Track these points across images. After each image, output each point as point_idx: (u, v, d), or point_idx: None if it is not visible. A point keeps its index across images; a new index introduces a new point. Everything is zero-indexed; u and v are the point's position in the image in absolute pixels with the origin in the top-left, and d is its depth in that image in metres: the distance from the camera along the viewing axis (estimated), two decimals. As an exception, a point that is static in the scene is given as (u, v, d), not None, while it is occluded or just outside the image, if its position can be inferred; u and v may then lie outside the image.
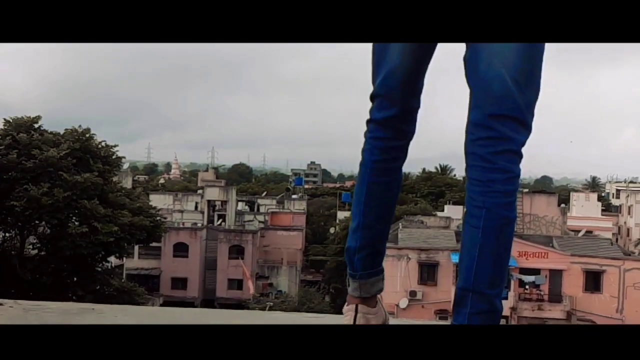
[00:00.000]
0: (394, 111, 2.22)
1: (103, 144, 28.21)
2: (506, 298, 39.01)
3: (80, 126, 27.64)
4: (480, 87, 2.01)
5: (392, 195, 2.33)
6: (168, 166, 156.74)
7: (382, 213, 2.31)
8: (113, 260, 33.41)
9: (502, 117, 1.98)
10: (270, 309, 41.00)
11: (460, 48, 2.11)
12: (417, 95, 2.25)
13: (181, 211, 65.06)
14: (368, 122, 2.27)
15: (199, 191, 70.08)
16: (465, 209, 2.07)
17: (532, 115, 2.04)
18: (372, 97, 2.26)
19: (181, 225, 60.27)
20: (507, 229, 2.00)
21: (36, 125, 27.32)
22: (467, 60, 2.06)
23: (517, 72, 1.98)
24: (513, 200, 2.01)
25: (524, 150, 2.06)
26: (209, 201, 65.05)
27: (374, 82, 2.25)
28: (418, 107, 2.26)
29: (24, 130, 26.46)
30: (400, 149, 2.28)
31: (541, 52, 2.05)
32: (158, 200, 62.95)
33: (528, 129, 2.03)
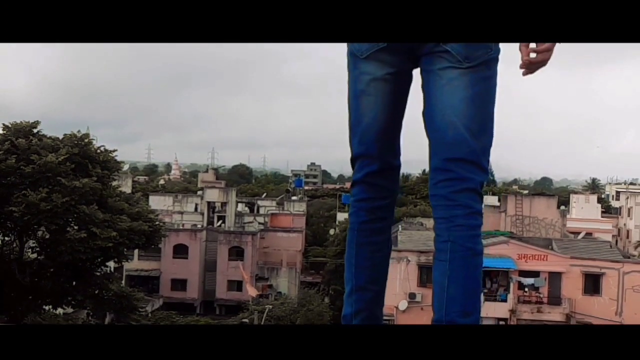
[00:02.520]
0: (374, 167, 2.28)
1: (102, 148, 28.17)
2: (505, 300, 38.98)
3: (79, 131, 27.62)
4: (436, 136, 2.16)
5: (382, 255, 2.36)
6: (168, 167, 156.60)
7: (375, 275, 2.35)
8: (113, 261, 33.39)
9: (458, 160, 2.12)
10: (270, 310, 40.95)
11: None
12: (395, 153, 2.33)
13: (181, 212, 65.01)
14: (351, 186, 2.34)
15: (199, 192, 70.00)
16: (434, 248, 2.19)
17: (488, 159, 2.17)
18: (352, 161, 2.33)
19: (181, 227, 60.20)
20: (473, 260, 2.11)
21: (35, 130, 27.26)
22: (424, 114, 2.19)
23: (469, 121, 2.12)
24: (477, 234, 2.13)
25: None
26: (208, 203, 64.97)
27: (351, 147, 2.32)
28: (398, 165, 2.35)
29: (23, 135, 26.41)
30: (385, 208, 2.34)
31: (492, 99, 2.19)
32: (158, 202, 62.98)
33: (484, 171, 2.16)
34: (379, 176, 2.29)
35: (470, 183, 2.13)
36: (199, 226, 60.89)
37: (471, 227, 2.12)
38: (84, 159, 26.36)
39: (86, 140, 27.13)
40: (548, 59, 2.18)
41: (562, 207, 52.99)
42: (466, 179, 2.12)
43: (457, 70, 2.14)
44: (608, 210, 76.70)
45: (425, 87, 2.22)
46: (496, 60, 2.20)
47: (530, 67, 2.19)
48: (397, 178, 2.35)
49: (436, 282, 2.14)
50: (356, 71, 2.27)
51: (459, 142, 2.12)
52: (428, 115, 2.18)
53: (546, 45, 2.15)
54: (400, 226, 47.67)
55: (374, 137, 2.25)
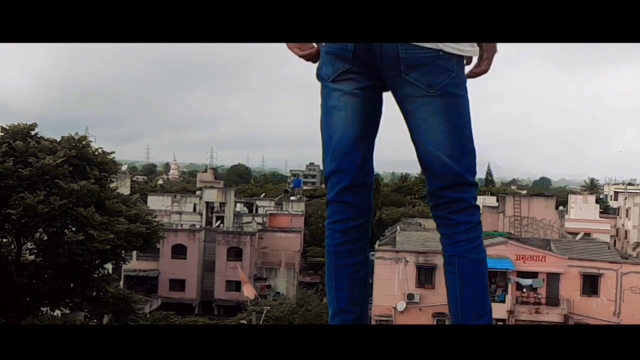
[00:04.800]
0: (346, 182, 2.33)
1: (100, 150, 28.13)
2: (503, 301, 38.98)
3: (76, 133, 27.62)
4: (425, 168, 2.34)
5: (361, 276, 2.39)
6: (167, 167, 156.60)
7: (355, 296, 2.37)
8: (110, 263, 33.37)
9: (448, 188, 2.31)
10: (268, 311, 40.93)
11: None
12: (368, 170, 2.38)
13: (179, 213, 64.97)
14: (326, 206, 2.39)
15: (198, 193, 69.98)
16: (443, 261, 2.39)
17: (474, 172, 2.36)
18: (326, 180, 2.39)
19: (179, 227, 60.18)
20: (479, 268, 2.33)
21: (33, 133, 27.22)
22: (412, 142, 2.35)
23: (450, 150, 2.28)
24: (479, 244, 2.34)
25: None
26: (207, 203, 64.93)
27: (324, 166, 2.38)
28: (371, 183, 2.40)
29: (21, 137, 26.36)
30: (359, 228, 2.37)
31: (468, 118, 2.32)
32: (156, 202, 62.97)
33: (473, 185, 2.36)
34: (351, 193, 2.34)
35: (464, 202, 2.33)
36: (198, 226, 60.86)
37: (472, 239, 2.33)
38: (81, 161, 26.32)
39: (84, 143, 27.09)
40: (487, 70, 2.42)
41: (561, 208, 53.07)
42: (460, 200, 2.32)
43: (425, 99, 2.24)
44: (606, 211, 76.68)
45: (404, 117, 2.32)
46: (462, 82, 2.31)
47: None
48: (369, 196, 2.39)
49: (450, 292, 2.35)
50: (326, 90, 2.33)
51: (446, 172, 2.29)
52: (415, 147, 2.33)
53: (482, 68, 2.40)
54: (398, 227, 47.71)
55: (345, 151, 2.31)
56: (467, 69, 2.37)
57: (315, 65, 2.38)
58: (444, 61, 2.22)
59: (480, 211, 2.56)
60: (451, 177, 2.29)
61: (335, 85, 2.30)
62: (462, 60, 2.29)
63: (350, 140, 2.31)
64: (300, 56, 2.37)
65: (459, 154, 2.29)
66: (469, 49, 2.29)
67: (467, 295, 2.30)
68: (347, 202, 2.34)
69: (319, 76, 2.35)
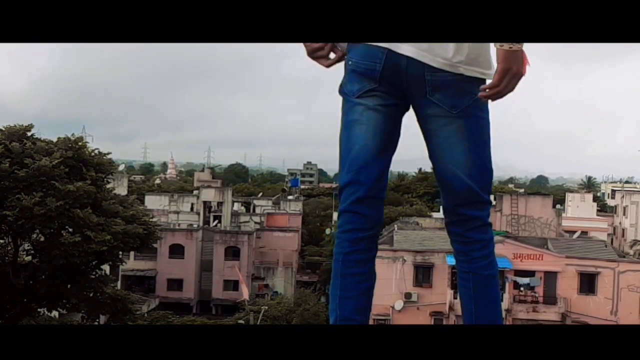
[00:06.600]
0: (361, 193, 2.38)
1: (96, 151, 28.08)
2: (501, 300, 38.98)
3: (73, 134, 27.55)
4: (444, 185, 2.43)
5: (366, 287, 2.43)
6: (164, 166, 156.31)
7: (360, 305, 2.40)
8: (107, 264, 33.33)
9: (466, 205, 2.42)
10: (266, 311, 40.90)
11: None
12: (383, 184, 2.44)
13: (177, 212, 64.90)
14: (338, 217, 2.45)
15: (195, 192, 69.93)
16: (457, 274, 2.52)
17: (490, 191, 2.48)
18: (340, 190, 2.44)
19: (177, 227, 60.16)
20: (492, 282, 2.47)
21: (29, 134, 27.17)
22: (431, 160, 2.44)
23: (470, 169, 2.38)
24: (492, 260, 2.47)
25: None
26: (205, 202, 64.91)
27: (340, 178, 2.44)
28: (384, 197, 2.46)
29: (17, 138, 26.29)
30: (369, 239, 2.43)
31: (488, 138, 2.41)
32: (154, 201, 62.92)
33: (488, 203, 2.47)
34: (364, 204, 2.39)
35: (480, 220, 2.46)
36: (195, 226, 60.82)
37: (486, 256, 2.45)
38: (78, 162, 26.24)
39: (80, 144, 27.01)
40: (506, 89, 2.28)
41: (558, 206, 53.09)
42: (476, 218, 2.44)
43: (448, 119, 2.34)
44: (604, 209, 76.65)
45: (424, 135, 2.42)
46: (484, 103, 2.37)
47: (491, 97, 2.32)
48: (381, 209, 2.46)
49: (464, 304, 2.48)
50: (348, 104, 2.40)
51: (464, 190, 2.40)
52: (433, 164, 2.44)
53: (496, 89, 2.26)
54: (396, 226, 47.66)
55: (364, 164, 2.37)
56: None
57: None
58: (467, 84, 2.30)
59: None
60: (468, 194, 2.41)
61: (359, 100, 2.36)
62: (484, 83, 2.31)
63: (369, 154, 2.37)
64: (311, 52, 2.41)
65: (477, 172, 2.40)
66: (490, 73, 2.31)
67: (481, 309, 2.43)
68: (359, 213, 2.40)
69: (342, 92, 2.42)
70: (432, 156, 2.42)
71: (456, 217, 2.45)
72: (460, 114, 2.33)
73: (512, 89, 2.27)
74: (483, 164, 2.42)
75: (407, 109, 2.41)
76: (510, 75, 2.22)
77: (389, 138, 2.41)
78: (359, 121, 2.36)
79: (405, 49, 2.24)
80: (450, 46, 2.24)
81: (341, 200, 2.44)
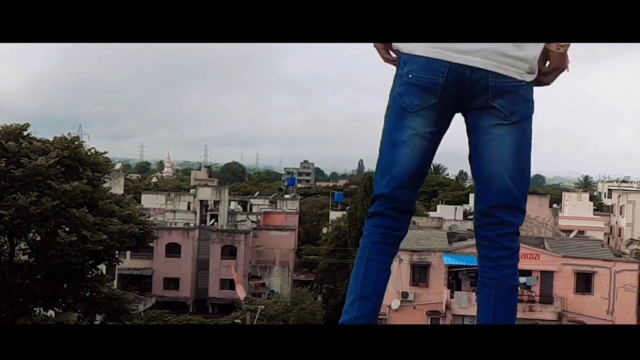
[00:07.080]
0: (393, 205, 2.50)
1: (92, 150, 28.05)
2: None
3: (69, 134, 27.54)
4: (484, 184, 2.48)
5: (386, 276, 2.52)
6: (161, 164, 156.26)
7: (378, 289, 2.49)
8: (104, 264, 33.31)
9: (503, 207, 2.45)
10: (262, 310, 40.90)
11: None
12: (415, 198, 2.57)
13: (173, 211, 64.85)
14: (368, 217, 2.53)
15: (192, 191, 69.88)
16: (478, 279, 2.53)
17: (526, 200, 2.50)
18: (374, 199, 2.53)
19: (173, 225, 60.11)
20: (513, 293, 2.48)
21: (25, 133, 27.15)
22: (471, 160, 2.50)
23: (513, 172, 2.43)
24: (516, 271, 2.49)
25: None
26: (201, 201, 64.87)
27: (376, 185, 2.53)
28: (413, 210, 2.59)
29: (13, 138, 26.29)
30: (396, 239, 2.54)
31: (530, 147, 2.47)
32: (150, 200, 62.85)
33: (524, 212, 2.49)
34: (396, 212, 2.51)
35: (512, 227, 2.48)
36: (192, 225, 60.79)
37: (512, 266, 2.48)
38: (74, 161, 26.23)
39: (76, 143, 27.01)
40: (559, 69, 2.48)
41: (555, 205, 53.11)
42: (509, 224, 2.47)
43: (504, 127, 2.41)
44: (600, 208, 76.81)
45: (472, 139, 2.48)
46: (533, 112, 2.48)
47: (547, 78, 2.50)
48: (410, 219, 2.57)
49: (482, 311, 2.47)
50: (400, 123, 2.46)
51: (504, 192, 2.44)
52: (476, 164, 2.48)
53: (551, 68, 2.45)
54: (392, 225, 47.67)
55: (403, 184, 2.48)
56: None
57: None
58: (525, 91, 2.41)
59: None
60: (508, 197, 2.44)
61: (414, 118, 2.43)
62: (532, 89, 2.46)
63: (408, 176, 2.48)
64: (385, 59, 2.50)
65: (519, 176, 2.44)
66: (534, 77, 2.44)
67: (499, 318, 2.42)
68: (391, 217, 2.50)
69: (400, 105, 2.46)
70: (476, 154, 2.46)
71: (490, 220, 2.47)
72: (516, 122, 2.41)
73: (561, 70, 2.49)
74: (525, 170, 2.47)
75: (448, 128, 2.51)
76: (559, 74, 2.47)
77: (428, 162, 2.51)
78: (406, 144, 2.45)
79: (472, 59, 2.31)
80: (516, 53, 2.33)
81: (374, 206, 2.52)
